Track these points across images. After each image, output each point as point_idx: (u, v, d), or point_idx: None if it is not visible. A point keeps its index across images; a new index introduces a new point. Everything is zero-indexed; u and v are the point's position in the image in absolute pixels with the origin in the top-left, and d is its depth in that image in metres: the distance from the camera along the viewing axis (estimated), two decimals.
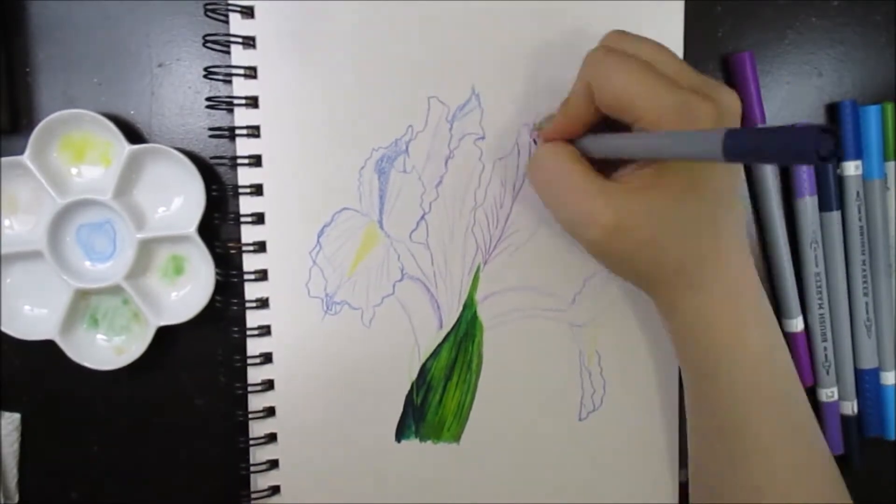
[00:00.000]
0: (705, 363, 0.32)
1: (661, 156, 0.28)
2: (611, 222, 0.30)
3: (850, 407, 0.42)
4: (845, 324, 0.42)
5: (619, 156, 0.31)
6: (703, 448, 0.34)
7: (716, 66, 0.40)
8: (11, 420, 0.40)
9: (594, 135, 0.32)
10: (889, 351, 0.42)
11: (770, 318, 0.33)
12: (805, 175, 0.40)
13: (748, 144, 0.22)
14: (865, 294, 0.41)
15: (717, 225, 0.31)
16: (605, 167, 0.32)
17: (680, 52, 0.38)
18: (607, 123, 0.32)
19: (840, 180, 0.40)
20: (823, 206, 0.40)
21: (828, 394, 0.42)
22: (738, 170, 0.34)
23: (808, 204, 0.40)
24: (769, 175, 0.40)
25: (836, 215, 0.40)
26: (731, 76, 0.40)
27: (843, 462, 0.44)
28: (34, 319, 0.39)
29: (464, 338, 0.40)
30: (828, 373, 0.42)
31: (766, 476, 0.31)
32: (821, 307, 0.41)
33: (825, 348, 0.41)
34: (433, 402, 0.40)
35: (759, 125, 0.39)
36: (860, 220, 0.41)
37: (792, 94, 0.41)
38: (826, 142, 0.20)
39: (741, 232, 0.33)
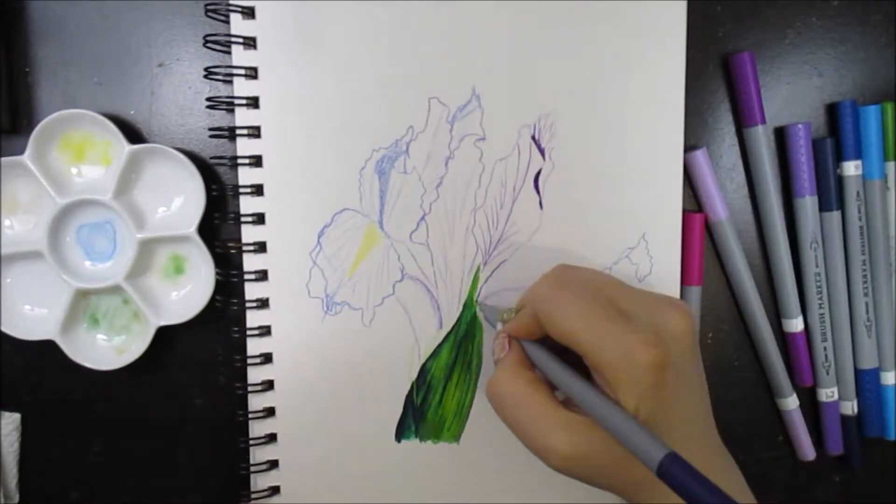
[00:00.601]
0: None
1: (606, 427, 0.28)
2: (569, 454, 0.30)
3: (851, 407, 0.42)
4: (845, 324, 0.42)
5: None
6: None
7: (716, 66, 0.40)
8: (11, 420, 0.40)
9: (550, 364, 0.32)
10: (889, 351, 0.42)
11: (742, 485, 0.32)
12: (805, 175, 0.40)
13: (680, 480, 0.25)
14: (865, 294, 0.41)
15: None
16: None
17: (682, 52, 0.38)
18: None
19: (840, 180, 0.40)
20: (823, 206, 0.40)
21: (828, 394, 0.42)
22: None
23: (808, 204, 0.40)
24: (769, 174, 0.40)
25: (836, 215, 0.40)
26: (732, 76, 0.40)
27: (842, 462, 0.44)
28: (34, 319, 0.39)
29: (464, 338, 0.40)
30: (828, 373, 0.42)
31: None
32: (821, 307, 0.41)
33: (825, 348, 0.41)
34: (433, 402, 0.40)
35: (761, 124, 0.39)
36: (860, 220, 0.41)
37: (792, 94, 0.41)
38: None
39: (701, 432, 0.32)
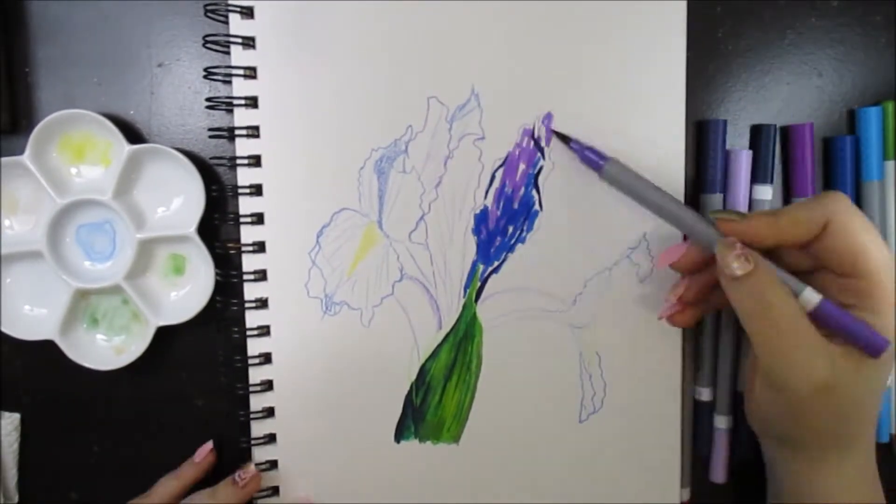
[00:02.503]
0: None
1: None
2: (828, 382, 0.30)
3: None
4: None
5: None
6: None
7: (716, 66, 0.40)
8: (11, 420, 0.40)
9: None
10: None
11: (878, 483, 0.34)
12: (808, 176, 0.40)
13: None
14: None
15: (879, 402, 0.33)
16: None
17: (682, 53, 0.38)
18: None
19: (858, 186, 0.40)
20: None
21: None
22: None
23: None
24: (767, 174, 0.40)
25: None
26: (790, 147, 0.40)
27: None
28: (34, 319, 0.39)
29: (463, 338, 0.40)
30: None
31: None
32: None
33: None
34: (432, 403, 0.40)
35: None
36: None
37: (792, 94, 0.41)
38: None
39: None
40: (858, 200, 0.40)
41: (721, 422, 0.40)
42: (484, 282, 0.39)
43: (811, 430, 0.32)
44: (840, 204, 0.31)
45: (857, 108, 0.40)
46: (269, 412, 0.39)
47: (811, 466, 0.33)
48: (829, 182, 0.40)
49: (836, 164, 0.40)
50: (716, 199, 0.39)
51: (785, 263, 0.33)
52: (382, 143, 0.38)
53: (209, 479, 0.40)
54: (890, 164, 0.40)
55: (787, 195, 0.41)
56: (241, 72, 0.37)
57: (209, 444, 0.40)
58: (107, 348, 0.39)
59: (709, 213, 0.34)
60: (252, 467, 0.39)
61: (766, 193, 0.39)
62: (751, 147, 0.40)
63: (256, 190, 0.38)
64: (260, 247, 0.38)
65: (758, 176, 0.39)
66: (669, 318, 0.37)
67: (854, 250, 0.30)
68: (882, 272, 0.30)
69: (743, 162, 0.39)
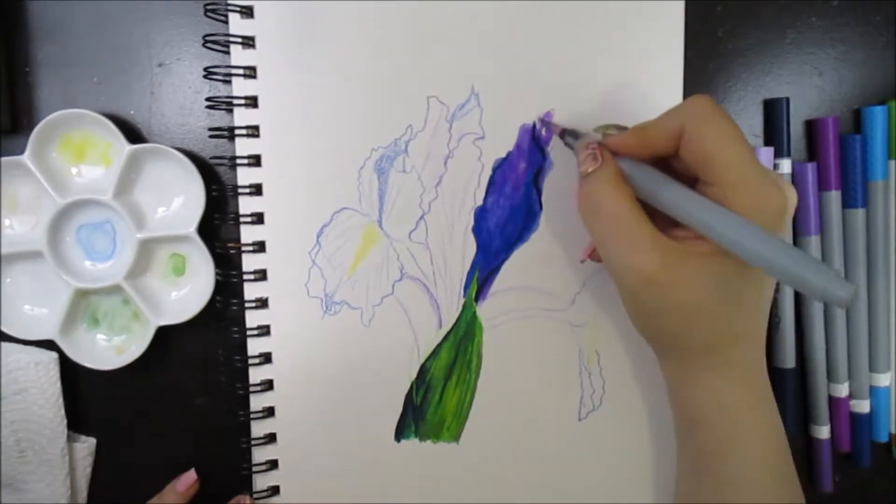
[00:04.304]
0: (711, 442, 0.32)
1: (751, 252, 0.27)
2: (658, 277, 0.29)
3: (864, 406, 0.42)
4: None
5: (690, 226, 0.30)
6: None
7: (716, 66, 0.40)
8: (87, 445, 0.40)
9: (669, 184, 0.30)
10: (885, 352, 0.42)
11: (772, 399, 0.33)
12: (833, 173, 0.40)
13: None
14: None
15: (756, 308, 0.31)
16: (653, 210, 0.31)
17: (680, 52, 0.38)
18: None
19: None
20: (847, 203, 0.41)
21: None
22: None
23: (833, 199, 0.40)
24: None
25: (860, 212, 0.40)
26: (814, 140, 0.40)
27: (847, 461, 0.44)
28: (34, 319, 0.39)
29: (463, 338, 0.40)
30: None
31: None
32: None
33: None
34: (433, 402, 0.40)
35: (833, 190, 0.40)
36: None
37: (792, 94, 0.41)
38: None
39: (766, 322, 0.33)
40: (864, 200, 0.40)
41: None
42: (484, 281, 0.39)
43: (659, 331, 0.32)
44: (696, 109, 0.30)
45: (862, 108, 0.40)
46: (269, 412, 0.39)
47: (679, 375, 0.33)
48: (840, 181, 0.40)
49: (846, 163, 0.40)
50: None
51: (679, 175, 0.31)
52: (382, 143, 0.38)
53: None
54: (893, 163, 0.41)
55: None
56: (240, 71, 0.37)
57: (192, 474, 0.40)
58: (107, 348, 0.39)
59: (594, 128, 0.34)
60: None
61: (786, 167, 0.40)
62: (765, 121, 0.41)
63: (256, 190, 0.38)
64: (260, 246, 0.38)
65: (776, 151, 0.40)
66: (591, 257, 0.37)
67: (704, 156, 0.29)
68: (733, 176, 0.28)
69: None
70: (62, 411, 0.39)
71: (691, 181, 0.31)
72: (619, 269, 0.30)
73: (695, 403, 0.32)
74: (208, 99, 0.37)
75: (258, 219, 0.38)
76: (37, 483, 0.39)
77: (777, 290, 0.41)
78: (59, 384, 0.39)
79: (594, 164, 0.32)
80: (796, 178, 0.40)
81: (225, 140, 0.38)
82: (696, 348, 0.31)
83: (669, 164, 0.32)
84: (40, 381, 0.39)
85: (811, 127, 0.41)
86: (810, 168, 0.40)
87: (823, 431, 0.42)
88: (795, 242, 0.41)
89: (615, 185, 0.31)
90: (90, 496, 0.41)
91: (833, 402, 0.42)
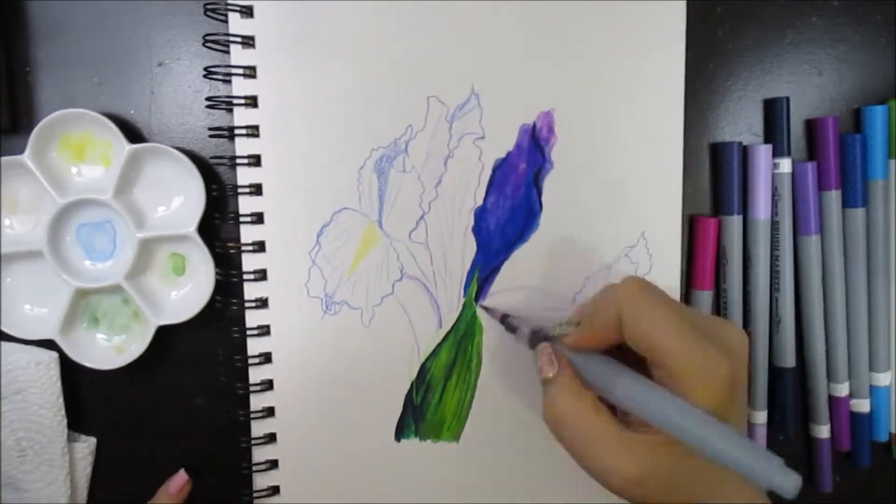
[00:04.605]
0: None
1: (701, 444, 0.27)
2: (634, 474, 0.29)
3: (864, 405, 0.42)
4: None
5: (649, 422, 0.29)
6: None
7: (716, 66, 0.40)
8: (88, 444, 0.40)
9: (634, 389, 0.30)
10: (885, 351, 0.42)
11: None
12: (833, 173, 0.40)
13: None
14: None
15: (730, 477, 0.30)
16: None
17: (680, 52, 0.38)
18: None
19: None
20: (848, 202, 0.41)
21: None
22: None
23: (833, 198, 0.40)
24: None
25: (860, 212, 0.40)
26: (814, 139, 0.40)
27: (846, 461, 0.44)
28: (34, 319, 0.39)
29: (463, 337, 0.40)
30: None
31: None
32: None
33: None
34: (433, 402, 0.40)
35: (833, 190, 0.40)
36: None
37: (792, 94, 0.41)
38: None
39: None
40: (865, 199, 0.40)
41: None
42: (484, 281, 0.39)
43: None
44: (627, 296, 0.30)
45: (862, 107, 0.40)
46: (269, 412, 0.39)
47: None
48: (840, 180, 0.40)
49: (846, 163, 0.40)
50: (734, 221, 0.40)
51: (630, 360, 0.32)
52: (382, 143, 0.38)
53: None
54: (893, 162, 0.41)
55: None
56: (240, 71, 0.37)
57: (184, 475, 0.40)
58: (107, 348, 0.39)
59: (553, 331, 0.34)
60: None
61: (786, 166, 0.40)
62: (765, 120, 0.41)
63: (256, 189, 0.38)
64: (260, 246, 0.38)
65: (776, 150, 0.40)
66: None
67: (644, 345, 0.29)
68: (675, 360, 0.29)
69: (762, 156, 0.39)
70: (62, 411, 0.39)
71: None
72: (599, 475, 0.30)
73: None
74: (208, 99, 0.37)
75: (258, 218, 0.38)
76: (37, 483, 0.39)
77: (777, 290, 0.41)
78: (59, 384, 0.39)
79: (552, 370, 0.32)
80: (796, 178, 0.40)
81: (225, 140, 0.38)
82: None
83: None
84: (40, 380, 0.39)
85: (811, 126, 0.41)
86: (810, 168, 0.40)
87: (823, 431, 0.42)
88: (796, 242, 0.41)
89: (574, 393, 0.31)
90: (90, 496, 0.41)
91: (833, 401, 0.42)
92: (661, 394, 0.29)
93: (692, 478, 0.29)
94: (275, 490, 0.40)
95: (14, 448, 0.39)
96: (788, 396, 0.41)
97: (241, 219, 0.38)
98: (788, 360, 0.41)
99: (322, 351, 0.39)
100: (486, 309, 0.39)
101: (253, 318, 0.39)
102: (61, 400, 0.39)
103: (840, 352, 0.42)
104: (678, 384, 0.29)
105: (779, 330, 0.41)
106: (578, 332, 0.32)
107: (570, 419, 0.31)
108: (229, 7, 0.36)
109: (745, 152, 0.40)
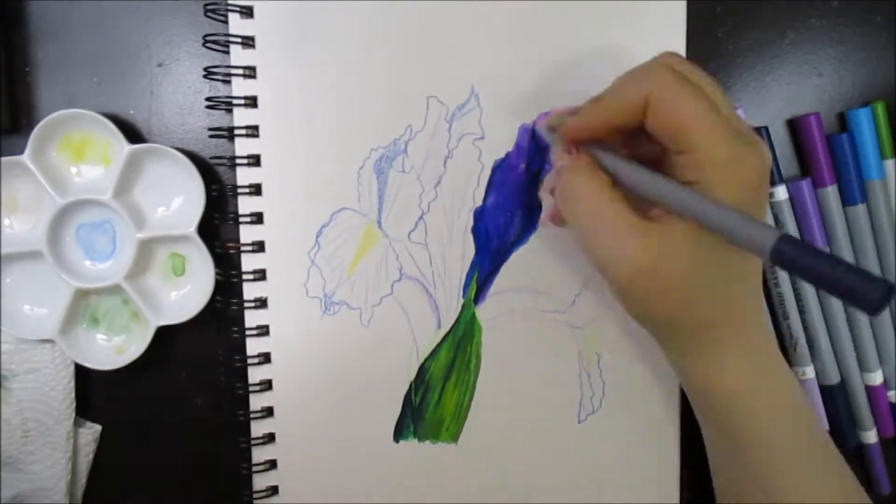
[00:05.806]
0: (727, 420, 0.32)
1: (706, 222, 0.27)
2: (644, 263, 0.28)
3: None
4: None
5: (654, 201, 0.29)
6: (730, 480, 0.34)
7: (716, 66, 0.40)
8: (92, 431, 0.40)
9: (637, 170, 0.30)
10: (872, 351, 0.42)
11: (784, 368, 0.32)
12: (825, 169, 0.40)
13: (792, 257, 0.24)
14: None
15: (748, 281, 0.31)
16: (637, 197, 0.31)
17: (682, 53, 0.38)
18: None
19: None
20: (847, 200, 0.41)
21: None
22: None
23: (830, 194, 0.40)
24: None
25: (861, 208, 0.40)
26: (799, 137, 0.40)
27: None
28: (34, 319, 0.39)
29: (462, 338, 0.40)
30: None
31: None
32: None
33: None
34: (431, 403, 0.40)
35: (829, 186, 0.39)
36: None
37: (792, 93, 0.41)
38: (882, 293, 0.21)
39: (761, 287, 0.33)
40: (863, 195, 0.40)
41: None
42: (483, 282, 0.39)
43: (658, 316, 0.31)
44: (658, 76, 0.29)
45: (846, 111, 0.40)
46: (269, 412, 0.39)
47: (686, 359, 0.32)
48: (836, 179, 0.40)
49: (838, 163, 0.40)
50: None
51: (641, 153, 0.31)
52: (382, 143, 0.38)
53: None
54: (889, 163, 0.40)
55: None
56: (240, 71, 0.37)
57: None
58: (107, 348, 0.39)
59: (547, 124, 0.34)
60: None
61: (782, 194, 0.39)
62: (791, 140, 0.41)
63: (256, 190, 0.38)
64: (259, 246, 0.38)
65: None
66: (553, 220, 0.37)
67: (674, 124, 0.28)
68: (706, 148, 0.27)
69: None
70: (72, 394, 0.39)
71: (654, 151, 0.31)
72: (608, 263, 0.30)
73: (707, 384, 0.32)
74: (208, 99, 0.37)
75: (258, 219, 0.38)
76: (37, 464, 0.39)
77: (803, 312, 0.40)
78: (72, 367, 0.39)
79: (565, 159, 0.32)
80: (795, 200, 0.40)
81: (225, 140, 0.38)
82: (697, 326, 0.30)
83: (634, 142, 0.32)
84: (55, 361, 0.39)
85: (794, 125, 0.41)
86: (805, 186, 0.39)
87: (871, 436, 0.42)
88: None
89: (591, 175, 0.31)
90: (89, 495, 0.41)
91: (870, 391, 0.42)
92: (665, 179, 0.28)
93: (700, 275, 0.29)
94: (274, 490, 0.40)
95: (19, 428, 0.39)
96: (841, 412, 0.41)
97: (241, 219, 0.38)
98: (832, 377, 0.41)
99: (321, 351, 0.39)
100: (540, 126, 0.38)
101: (252, 319, 0.39)
102: (73, 384, 0.39)
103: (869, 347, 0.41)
104: (703, 173, 0.28)
105: (815, 349, 0.41)
106: (585, 114, 0.31)
107: (584, 200, 0.30)
108: (229, 7, 0.36)
109: None
